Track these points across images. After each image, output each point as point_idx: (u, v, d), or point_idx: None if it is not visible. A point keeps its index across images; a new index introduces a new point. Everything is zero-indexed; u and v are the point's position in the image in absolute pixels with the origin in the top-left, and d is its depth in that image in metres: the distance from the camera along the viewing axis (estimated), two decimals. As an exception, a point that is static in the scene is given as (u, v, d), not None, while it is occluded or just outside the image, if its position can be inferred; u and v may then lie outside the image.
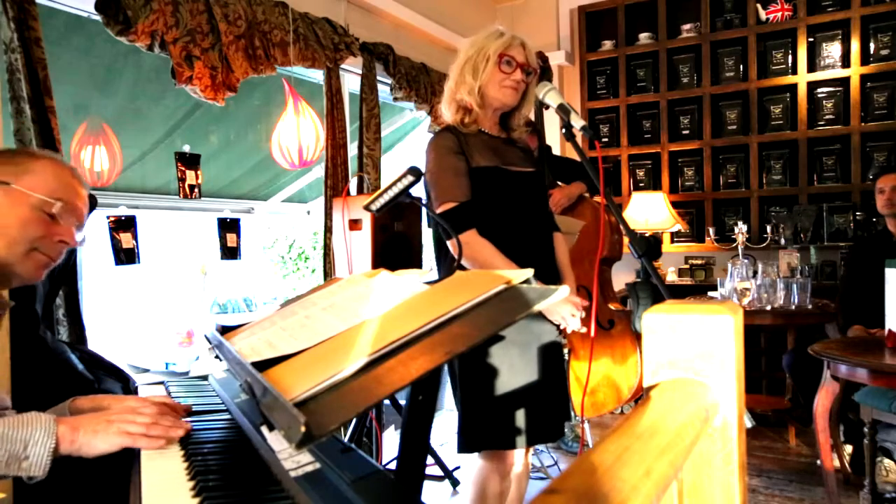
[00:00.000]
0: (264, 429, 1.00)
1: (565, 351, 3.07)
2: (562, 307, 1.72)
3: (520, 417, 1.77)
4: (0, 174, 1.17)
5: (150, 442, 1.05)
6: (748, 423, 1.06)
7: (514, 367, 1.76)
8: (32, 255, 1.17)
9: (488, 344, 1.72)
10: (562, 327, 1.77)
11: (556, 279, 1.97)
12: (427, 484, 2.99)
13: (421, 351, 0.80)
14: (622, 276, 4.26)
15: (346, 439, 2.01)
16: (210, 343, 1.36)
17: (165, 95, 3.22)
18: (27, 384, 1.52)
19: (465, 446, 1.80)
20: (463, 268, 1.71)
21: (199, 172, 2.70)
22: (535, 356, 1.80)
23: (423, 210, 2.02)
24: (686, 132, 4.46)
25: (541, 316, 1.77)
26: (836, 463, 2.79)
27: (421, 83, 3.75)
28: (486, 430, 1.78)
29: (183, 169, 2.66)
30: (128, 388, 1.84)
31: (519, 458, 1.93)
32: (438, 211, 1.79)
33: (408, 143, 4.63)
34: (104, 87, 3.04)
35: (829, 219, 3.99)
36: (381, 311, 1.03)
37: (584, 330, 1.73)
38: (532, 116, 3.26)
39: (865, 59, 3.93)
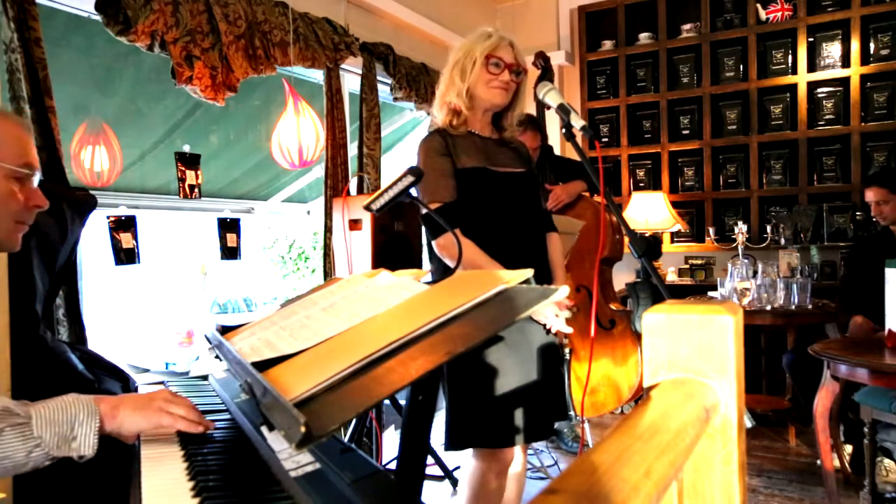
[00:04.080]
0: (264, 429, 1.00)
1: (566, 351, 3.08)
2: (546, 307, 1.71)
3: (509, 416, 1.77)
4: None
5: (189, 425, 1.03)
6: (748, 423, 1.06)
7: (504, 367, 1.76)
8: (18, 228, 1.14)
9: (487, 344, 1.72)
10: (547, 327, 1.76)
11: (548, 279, 1.96)
12: (427, 484, 2.99)
13: (421, 351, 0.80)
14: (622, 276, 4.26)
15: (346, 439, 2.01)
16: (210, 343, 1.36)
17: (165, 95, 3.22)
18: (27, 384, 1.52)
19: (451, 444, 1.81)
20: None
21: (199, 172, 2.70)
22: (526, 356, 1.80)
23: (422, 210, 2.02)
24: (686, 132, 4.46)
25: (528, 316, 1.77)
26: (836, 463, 2.79)
27: (421, 83, 3.75)
28: (473, 428, 1.78)
29: (183, 169, 2.66)
30: (128, 387, 1.84)
31: (516, 457, 1.93)
32: (423, 212, 1.80)
33: (408, 143, 4.62)
34: (104, 87, 3.04)
35: (829, 219, 3.99)
36: (380, 311, 1.03)
37: (569, 330, 1.73)
38: (534, 113, 3.28)
39: (865, 59, 3.93)
